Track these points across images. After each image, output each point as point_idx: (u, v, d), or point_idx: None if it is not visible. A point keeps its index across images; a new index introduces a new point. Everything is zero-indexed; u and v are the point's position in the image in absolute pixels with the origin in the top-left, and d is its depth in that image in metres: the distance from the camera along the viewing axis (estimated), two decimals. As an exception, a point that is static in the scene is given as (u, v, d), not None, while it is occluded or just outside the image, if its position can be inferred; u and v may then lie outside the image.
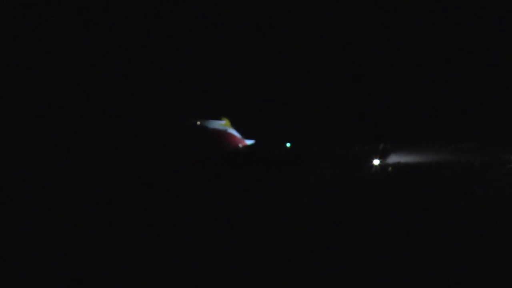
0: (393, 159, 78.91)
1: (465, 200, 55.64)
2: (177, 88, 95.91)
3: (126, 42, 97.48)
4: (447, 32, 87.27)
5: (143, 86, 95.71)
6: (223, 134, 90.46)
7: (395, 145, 79.68)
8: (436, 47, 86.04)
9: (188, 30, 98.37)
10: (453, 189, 62.85)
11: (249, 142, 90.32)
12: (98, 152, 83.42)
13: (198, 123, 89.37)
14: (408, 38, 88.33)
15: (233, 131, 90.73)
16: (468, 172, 72.53)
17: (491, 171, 71.07)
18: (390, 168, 78.90)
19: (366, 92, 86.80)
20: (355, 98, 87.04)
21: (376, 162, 79.24)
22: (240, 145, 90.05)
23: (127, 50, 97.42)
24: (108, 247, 31.40)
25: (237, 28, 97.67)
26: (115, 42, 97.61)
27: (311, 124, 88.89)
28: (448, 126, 79.46)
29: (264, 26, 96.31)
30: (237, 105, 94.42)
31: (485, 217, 47.49)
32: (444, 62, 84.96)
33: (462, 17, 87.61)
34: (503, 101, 79.80)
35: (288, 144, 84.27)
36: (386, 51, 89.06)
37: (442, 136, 79.18)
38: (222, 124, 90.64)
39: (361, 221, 43.55)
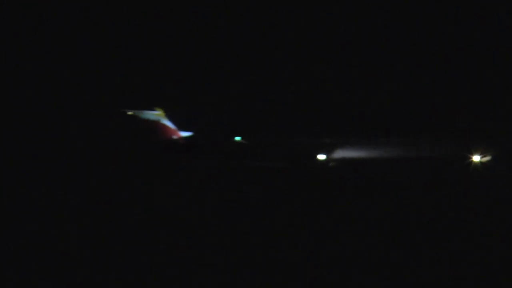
0: (338, 154, 74.73)
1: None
2: (108, 77, 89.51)
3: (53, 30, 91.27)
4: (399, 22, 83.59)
5: (72, 75, 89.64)
6: (156, 125, 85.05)
7: (341, 139, 75.34)
8: (384, 33, 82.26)
9: (119, 16, 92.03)
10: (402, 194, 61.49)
11: (184, 134, 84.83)
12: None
13: (130, 113, 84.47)
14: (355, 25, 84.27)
15: (167, 122, 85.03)
16: (419, 170, 69.92)
17: (444, 168, 68.75)
18: (331, 164, 75.15)
19: (312, 83, 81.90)
20: (301, 89, 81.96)
21: (321, 157, 75.17)
22: (175, 137, 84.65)
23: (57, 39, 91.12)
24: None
25: (169, 11, 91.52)
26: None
27: (255, 115, 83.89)
28: (396, 118, 75.47)
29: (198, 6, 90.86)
30: (173, 95, 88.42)
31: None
32: (394, 49, 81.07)
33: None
34: (455, 91, 76.22)
35: (238, 138, 79.24)
36: (333, 36, 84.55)
37: (390, 128, 75.08)
38: (155, 114, 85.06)
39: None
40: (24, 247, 31.80)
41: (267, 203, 59.95)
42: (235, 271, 29.00)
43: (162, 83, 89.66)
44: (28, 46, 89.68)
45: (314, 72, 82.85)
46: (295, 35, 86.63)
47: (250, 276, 28.35)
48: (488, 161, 67.74)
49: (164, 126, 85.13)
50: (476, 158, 68.18)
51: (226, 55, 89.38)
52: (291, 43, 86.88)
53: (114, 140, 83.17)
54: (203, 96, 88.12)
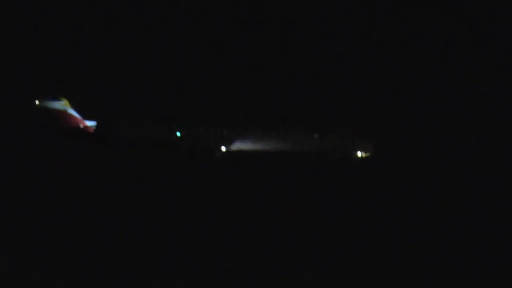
0: (236, 146, 78.65)
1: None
2: (12, 65, 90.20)
3: None
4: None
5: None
6: (63, 114, 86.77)
7: (239, 130, 79.13)
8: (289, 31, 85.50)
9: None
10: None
11: (90, 123, 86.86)
12: None
13: (37, 102, 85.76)
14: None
15: (72, 111, 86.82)
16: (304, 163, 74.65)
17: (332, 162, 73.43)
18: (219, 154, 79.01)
19: (205, 69, 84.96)
20: (195, 73, 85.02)
21: (223, 148, 78.77)
22: (81, 125, 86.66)
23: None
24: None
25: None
26: None
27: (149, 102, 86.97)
28: (291, 112, 79.59)
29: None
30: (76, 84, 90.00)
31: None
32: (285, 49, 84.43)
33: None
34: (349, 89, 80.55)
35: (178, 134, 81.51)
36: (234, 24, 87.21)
37: (285, 122, 79.34)
38: (61, 104, 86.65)
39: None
40: None
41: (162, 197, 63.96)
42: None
43: (66, 73, 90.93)
44: None
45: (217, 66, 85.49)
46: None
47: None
48: (368, 157, 73.34)
49: (70, 115, 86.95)
50: (359, 153, 73.68)
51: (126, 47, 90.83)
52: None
53: (22, 130, 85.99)
54: (108, 84, 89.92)
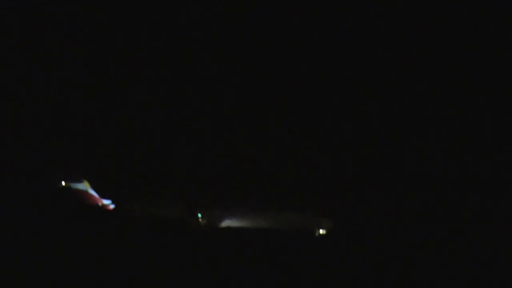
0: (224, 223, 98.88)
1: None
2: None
3: None
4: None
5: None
6: (84, 194, 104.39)
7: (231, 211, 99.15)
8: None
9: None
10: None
11: (106, 201, 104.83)
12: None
13: (63, 183, 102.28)
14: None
15: (92, 192, 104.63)
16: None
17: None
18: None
19: None
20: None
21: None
22: (100, 204, 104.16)
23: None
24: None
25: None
26: None
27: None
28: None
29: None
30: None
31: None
32: None
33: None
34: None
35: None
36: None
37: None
38: (83, 185, 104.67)
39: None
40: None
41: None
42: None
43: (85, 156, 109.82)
44: None
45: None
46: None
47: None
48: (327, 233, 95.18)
49: (91, 195, 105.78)
50: (321, 230, 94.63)
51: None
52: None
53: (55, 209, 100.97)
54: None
